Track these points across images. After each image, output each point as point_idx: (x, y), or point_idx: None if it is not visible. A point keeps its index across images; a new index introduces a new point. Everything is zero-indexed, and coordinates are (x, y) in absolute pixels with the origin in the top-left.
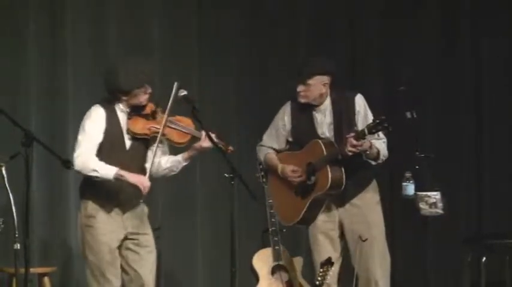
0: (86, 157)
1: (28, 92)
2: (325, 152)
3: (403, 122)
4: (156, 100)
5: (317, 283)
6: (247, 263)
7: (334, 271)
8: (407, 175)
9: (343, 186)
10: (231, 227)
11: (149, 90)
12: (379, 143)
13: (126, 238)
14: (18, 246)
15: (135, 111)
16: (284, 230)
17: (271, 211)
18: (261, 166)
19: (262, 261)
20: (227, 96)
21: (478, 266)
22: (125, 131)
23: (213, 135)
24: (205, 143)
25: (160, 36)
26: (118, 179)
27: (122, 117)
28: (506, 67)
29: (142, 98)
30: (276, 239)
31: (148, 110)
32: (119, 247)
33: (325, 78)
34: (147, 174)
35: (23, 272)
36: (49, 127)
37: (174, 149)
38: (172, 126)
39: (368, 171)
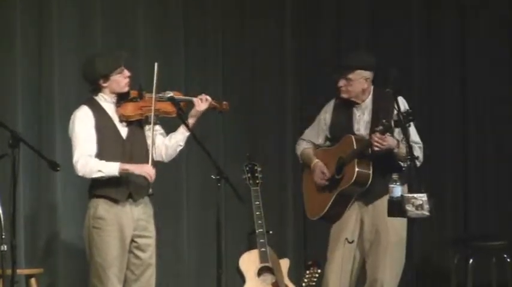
0: (85, 159)
1: (15, 94)
2: (355, 147)
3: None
4: (139, 84)
5: (303, 285)
6: (234, 265)
7: (354, 274)
8: (394, 177)
9: (369, 182)
10: (218, 229)
11: (128, 74)
12: (412, 146)
13: (132, 240)
14: (5, 247)
15: (122, 98)
16: (271, 232)
17: (258, 213)
18: (247, 168)
19: (248, 263)
20: (214, 95)
21: (465, 268)
22: (116, 121)
23: (205, 97)
24: (200, 106)
25: (147, 38)
26: (123, 173)
27: (109, 108)
28: (492, 70)
29: (123, 82)
30: (262, 241)
31: (134, 93)
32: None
33: (367, 74)
34: (150, 161)
35: (10, 273)
36: (36, 129)
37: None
38: (163, 99)
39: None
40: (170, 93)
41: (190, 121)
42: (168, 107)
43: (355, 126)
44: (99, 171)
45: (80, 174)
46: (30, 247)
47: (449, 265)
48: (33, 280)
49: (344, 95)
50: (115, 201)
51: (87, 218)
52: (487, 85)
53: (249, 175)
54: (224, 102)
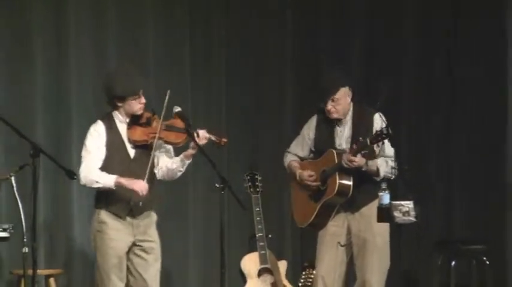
0: (88, 170)
1: (35, 107)
2: (336, 161)
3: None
4: (152, 108)
5: (299, 284)
6: (236, 266)
7: (339, 275)
8: (383, 185)
9: (350, 193)
10: (221, 233)
11: (143, 101)
12: (382, 160)
13: (134, 244)
14: (26, 250)
15: (133, 121)
16: (270, 236)
17: (258, 218)
18: (248, 177)
19: (249, 264)
20: (218, 108)
21: (447, 270)
22: (126, 141)
23: (204, 132)
24: (200, 140)
25: (156, 53)
26: (118, 186)
27: (122, 128)
28: (479, 84)
29: (137, 107)
30: (262, 244)
31: (144, 118)
32: (127, 252)
33: (348, 90)
34: (145, 178)
35: (31, 273)
36: (55, 139)
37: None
38: (168, 128)
39: (378, 183)
40: (178, 109)
41: (190, 151)
42: (171, 137)
43: (337, 141)
44: (97, 182)
45: (82, 183)
46: (50, 250)
47: (433, 267)
48: (51, 280)
49: (335, 116)
50: (116, 215)
51: (92, 223)
52: (474, 99)
53: (250, 183)
54: (223, 139)
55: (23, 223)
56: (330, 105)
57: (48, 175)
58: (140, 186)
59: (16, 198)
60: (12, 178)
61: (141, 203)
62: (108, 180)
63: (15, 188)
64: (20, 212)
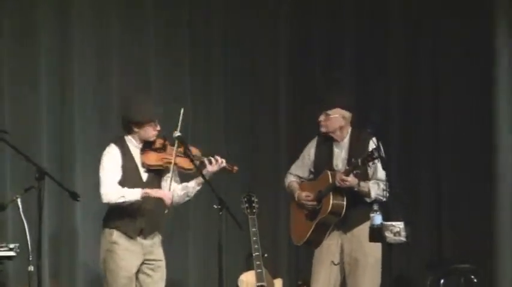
0: (110, 188)
1: (39, 131)
2: (330, 181)
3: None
4: (164, 135)
5: None
6: (233, 284)
7: None
8: (375, 207)
9: (343, 212)
10: (219, 252)
11: (158, 128)
12: (374, 183)
13: (143, 263)
14: (31, 268)
15: (147, 146)
16: (266, 255)
17: (255, 238)
18: (245, 199)
19: (246, 282)
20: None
21: None
22: (139, 165)
23: (217, 158)
24: (211, 167)
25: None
26: (144, 197)
27: (136, 152)
28: (464, 102)
29: (151, 133)
30: (258, 263)
31: (158, 144)
32: (136, 272)
33: (345, 113)
34: (168, 188)
35: None
36: (59, 163)
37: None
38: (182, 155)
39: (370, 205)
40: (178, 134)
41: (201, 180)
42: (185, 163)
43: (334, 162)
44: (122, 197)
45: (105, 201)
46: (54, 268)
47: (423, 285)
48: None
49: (322, 129)
50: (127, 235)
51: (102, 242)
52: (459, 121)
53: (247, 204)
54: (235, 167)
55: (29, 243)
56: (321, 117)
57: (53, 195)
58: (166, 194)
59: (22, 219)
60: (19, 200)
61: (166, 210)
62: (134, 193)
63: (21, 210)
64: (25, 232)
